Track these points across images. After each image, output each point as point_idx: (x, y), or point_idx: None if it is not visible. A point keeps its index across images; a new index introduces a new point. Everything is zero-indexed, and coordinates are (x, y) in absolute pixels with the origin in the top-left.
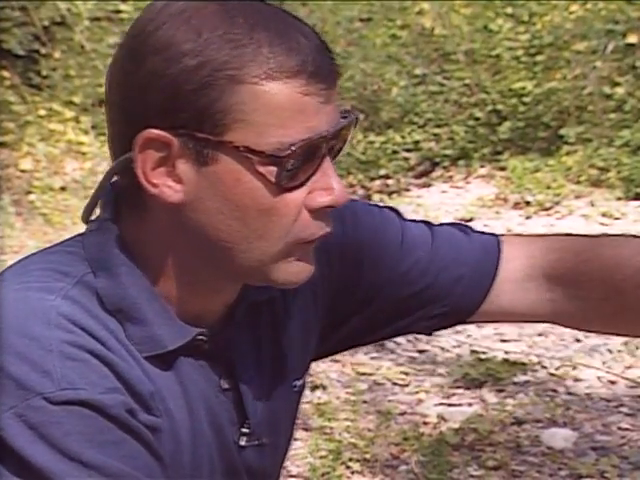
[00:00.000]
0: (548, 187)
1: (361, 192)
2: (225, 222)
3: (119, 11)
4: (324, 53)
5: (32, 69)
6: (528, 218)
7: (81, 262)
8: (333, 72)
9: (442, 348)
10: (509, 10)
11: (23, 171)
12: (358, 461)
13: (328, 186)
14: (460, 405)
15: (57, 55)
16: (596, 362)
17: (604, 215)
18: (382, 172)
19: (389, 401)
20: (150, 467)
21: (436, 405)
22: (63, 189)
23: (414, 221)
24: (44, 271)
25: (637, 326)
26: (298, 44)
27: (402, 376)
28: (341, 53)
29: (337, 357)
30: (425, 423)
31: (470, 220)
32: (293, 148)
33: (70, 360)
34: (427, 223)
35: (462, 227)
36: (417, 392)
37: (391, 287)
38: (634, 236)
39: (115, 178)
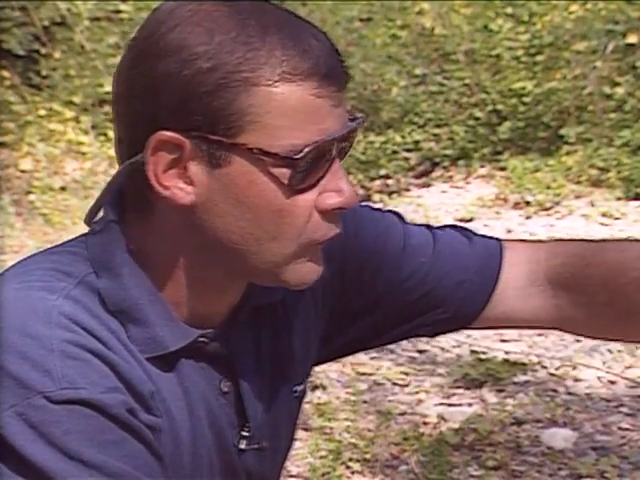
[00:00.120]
0: (548, 187)
1: (361, 192)
2: (237, 224)
3: (119, 11)
4: (335, 56)
5: (32, 69)
6: (528, 218)
7: (83, 262)
8: (344, 74)
9: (442, 348)
10: (509, 10)
11: (23, 171)
12: (358, 461)
13: (338, 188)
14: (460, 405)
15: (57, 55)
16: (596, 362)
17: (604, 215)
18: (382, 172)
19: (389, 401)
20: (150, 467)
21: (436, 405)
22: (63, 189)
23: (416, 225)
24: (46, 271)
25: None
26: (310, 46)
27: (402, 376)
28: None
29: None
30: (425, 423)
31: (470, 220)
32: (306, 150)
33: (71, 359)
34: (429, 227)
35: (464, 231)
36: (417, 392)
37: (392, 293)
38: (638, 240)
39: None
